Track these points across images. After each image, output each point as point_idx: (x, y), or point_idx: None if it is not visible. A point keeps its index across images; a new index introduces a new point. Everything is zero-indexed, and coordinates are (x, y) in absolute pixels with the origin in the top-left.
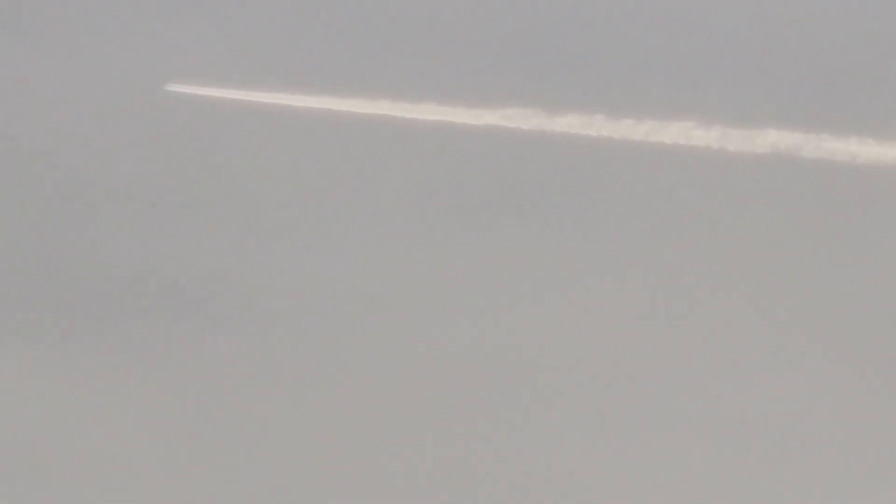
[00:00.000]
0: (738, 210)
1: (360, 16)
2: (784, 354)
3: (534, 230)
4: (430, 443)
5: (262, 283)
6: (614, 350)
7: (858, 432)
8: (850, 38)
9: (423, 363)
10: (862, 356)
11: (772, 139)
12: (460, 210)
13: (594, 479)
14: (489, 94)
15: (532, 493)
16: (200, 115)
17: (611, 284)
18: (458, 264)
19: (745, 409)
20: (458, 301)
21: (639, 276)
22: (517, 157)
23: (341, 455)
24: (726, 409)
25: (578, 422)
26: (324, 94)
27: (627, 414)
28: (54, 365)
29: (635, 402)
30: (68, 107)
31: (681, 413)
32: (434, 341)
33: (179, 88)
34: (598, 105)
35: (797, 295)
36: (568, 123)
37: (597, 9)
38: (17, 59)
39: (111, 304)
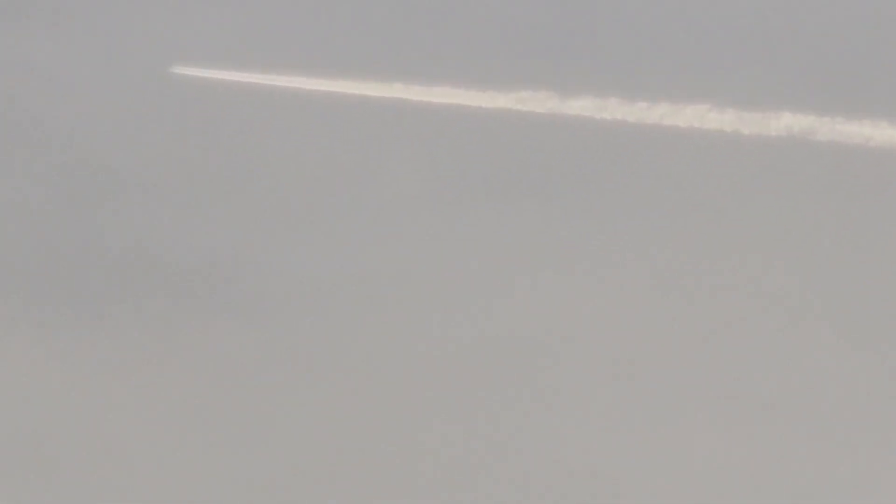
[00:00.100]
0: (752, 193)
1: None
2: (798, 339)
3: (547, 214)
4: (447, 427)
5: (271, 268)
6: (628, 334)
7: (872, 417)
8: (865, 20)
9: (435, 348)
10: (876, 340)
11: (786, 122)
12: (473, 193)
13: (607, 468)
14: (503, 77)
15: (546, 480)
16: (209, 98)
17: (624, 268)
18: (471, 248)
19: (759, 396)
20: (471, 286)
21: (652, 260)
22: (531, 140)
23: (349, 443)
24: (739, 395)
25: (592, 408)
26: (337, 78)
27: (642, 401)
28: (58, 351)
29: (650, 389)
30: (73, 89)
31: (695, 400)
32: (446, 326)
33: (187, 71)
34: (611, 88)
35: (811, 279)
36: (582, 106)
37: None
38: (21, 42)
39: (114, 288)
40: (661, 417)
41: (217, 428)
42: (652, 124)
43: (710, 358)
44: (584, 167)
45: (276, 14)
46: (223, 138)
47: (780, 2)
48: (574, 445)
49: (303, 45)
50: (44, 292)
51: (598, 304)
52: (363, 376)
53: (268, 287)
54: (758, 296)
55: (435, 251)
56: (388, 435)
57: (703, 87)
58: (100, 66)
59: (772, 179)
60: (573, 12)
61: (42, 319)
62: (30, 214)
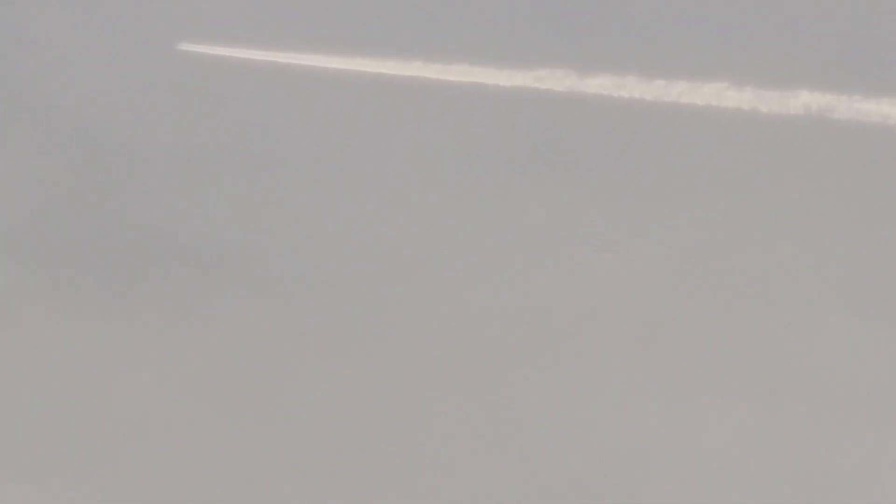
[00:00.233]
0: (771, 171)
1: None
2: (816, 317)
3: (566, 192)
4: (472, 397)
5: (286, 247)
6: (645, 313)
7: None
8: None
9: (455, 325)
10: None
11: (804, 100)
12: (492, 172)
13: (625, 446)
14: (521, 55)
15: (564, 458)
16: (218, 76)
17: (642, 247)
18: (489, 227)
19: (781, 370)
20: (490, 263)
21: (670, 238)
22: (549, 118)
23: (372, 416)
24: (761, 369)
25: (610, 386)
26: (354, 55)
27: (661, 379)
28: (79, 326)
29: (669, 367)
30: (80, 67)
31: (714, 377)
32: (466, 303)
33: (196, 48)
34: (630, 66)
35: (830, 256)
36: (600, 85)
37: None
38: (28, 19)
39: (123, 267)
40: (681, 396)
41: (238, 406)
42: (670, 102)
43: (726, 336)
44: (601, 145)
45: None
46: (234, 117)
47: None
48: (592, 424)
49: (319, 22)
50: (59, 268)
51: (615, 282)
52: (386, 353)
53: (286, 265)
54: (776, 274)
55: (453, 229)
56: (410, 410)
57: (721, 66)
58: (107, 44)
59: (790, 158)
60: None
61: (59, 294)
62: (43, 190)
